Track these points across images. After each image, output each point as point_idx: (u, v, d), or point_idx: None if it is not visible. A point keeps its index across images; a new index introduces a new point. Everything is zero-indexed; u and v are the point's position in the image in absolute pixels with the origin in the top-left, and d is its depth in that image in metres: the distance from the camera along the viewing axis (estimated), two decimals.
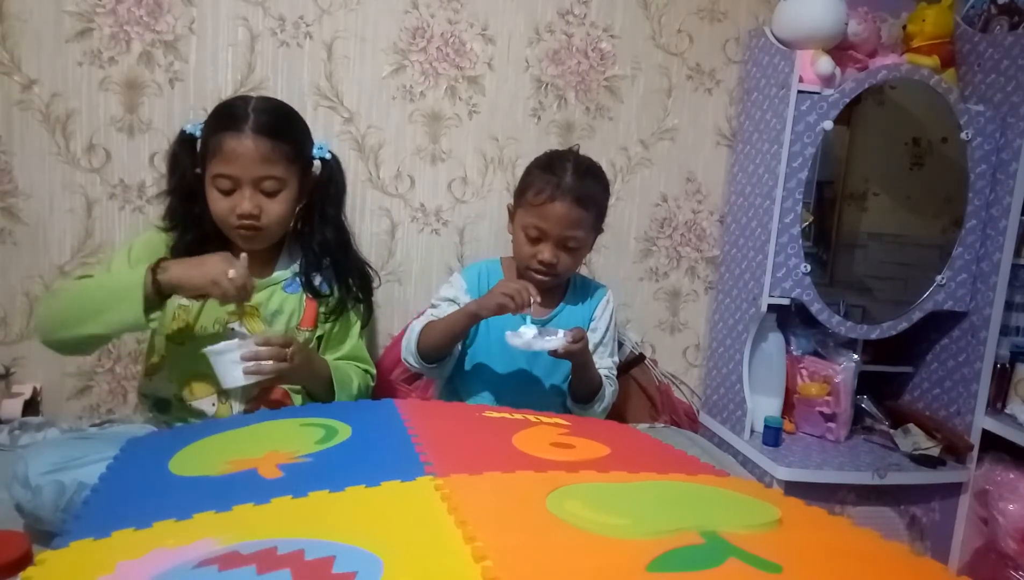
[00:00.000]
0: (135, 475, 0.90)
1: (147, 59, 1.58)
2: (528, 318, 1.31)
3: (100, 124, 1.58)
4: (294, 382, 1.29)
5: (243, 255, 1.18)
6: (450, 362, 1.43)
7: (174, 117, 1.60)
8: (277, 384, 1.27)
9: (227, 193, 1.22)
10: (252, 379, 1.16)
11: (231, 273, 1.13)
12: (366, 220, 1.74)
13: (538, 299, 1.30)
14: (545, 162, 1.42)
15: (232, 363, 1.15)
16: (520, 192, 1.42)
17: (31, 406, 1.56)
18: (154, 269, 1.14)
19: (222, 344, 1.16)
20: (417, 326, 1.39)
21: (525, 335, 1.28)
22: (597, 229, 1.45)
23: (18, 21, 1.51)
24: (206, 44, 1.60)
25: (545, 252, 1.37)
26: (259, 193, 1.23)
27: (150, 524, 0.70)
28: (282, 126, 1.26)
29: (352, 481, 0.76)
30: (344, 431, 0.95)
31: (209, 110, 1.59)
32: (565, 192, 1.34)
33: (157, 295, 1.14)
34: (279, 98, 1.61)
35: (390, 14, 1.68)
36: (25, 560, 0.77)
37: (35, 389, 1.59)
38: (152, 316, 1.15)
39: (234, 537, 0.64)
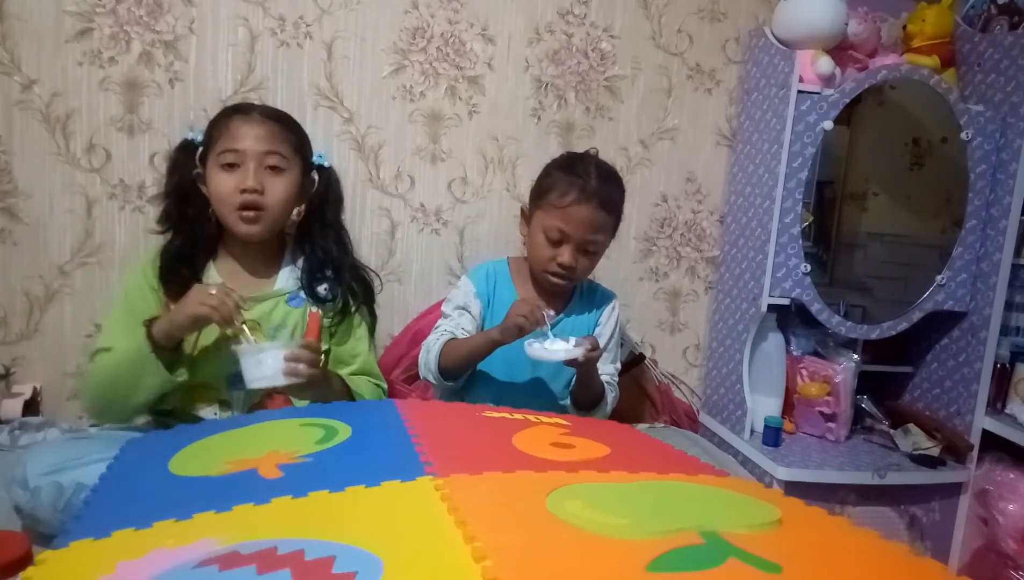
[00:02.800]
0: (135, 475, 0.90)
1: (147, 59, 1.58)
2: (550, 333, 1.28)
3: (100, 124, 1.58)
4: (312, 393, 1.25)
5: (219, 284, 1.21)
6: (467, 376, 1.43)
7: (174, 117, 1.60)
8: (300, 391, 1.24)
9: (231, 168, 1.25)
10: (289, 380, 1.17)
11: (212, 290, 1.16)
12: (366, 220, 1.74)
13: (552, 315, 1.28)
14: (566, 164, 1.41)
15: (264, 363, 1.16)
16: (540, 194, 1.40)
17: (31, 406, 1.56)
18: (148, 331, 1.17)
19: (255, 345, 1.17)
20: (435, 346, 1.36)
21: (540, 347, 1.26)
22: (614, 234, 1.44)
23: (18, 21, 1.51)
24: (206, 44, 1.60)
25: (565, 254, 1.36)
26: (263, 170, 1.26)
27: (150, 524, 0.70)
28: (287, 118, 1.33)
29: (352, 481, 0.76)
30: (344, 431, 0.95)
31: (209, 110, 1.62)
32: (591, 195, 1.34)
33: (164, 351, 1.17)
34: (279, 97, 1.64)
35: (390, 14, 1.68)
36: (25, 560, 0.78)
37: (35, 389, 1.59)
38: (177, 372, 1.20)
39: (234, 537, 0.64)
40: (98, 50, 1.55)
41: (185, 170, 1.31)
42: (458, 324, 1.41)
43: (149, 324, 1.18)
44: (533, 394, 1.45)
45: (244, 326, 1.18)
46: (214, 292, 1.16)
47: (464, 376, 1.41)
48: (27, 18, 1.51)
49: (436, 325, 1.44)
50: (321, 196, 1.39)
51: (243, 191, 1.24)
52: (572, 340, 1.28)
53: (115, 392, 1.20)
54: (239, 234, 1.28)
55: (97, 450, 1.03)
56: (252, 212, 1.25)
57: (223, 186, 1.25)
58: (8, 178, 1.55)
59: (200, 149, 1.30)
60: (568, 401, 1.46)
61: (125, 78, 1.58)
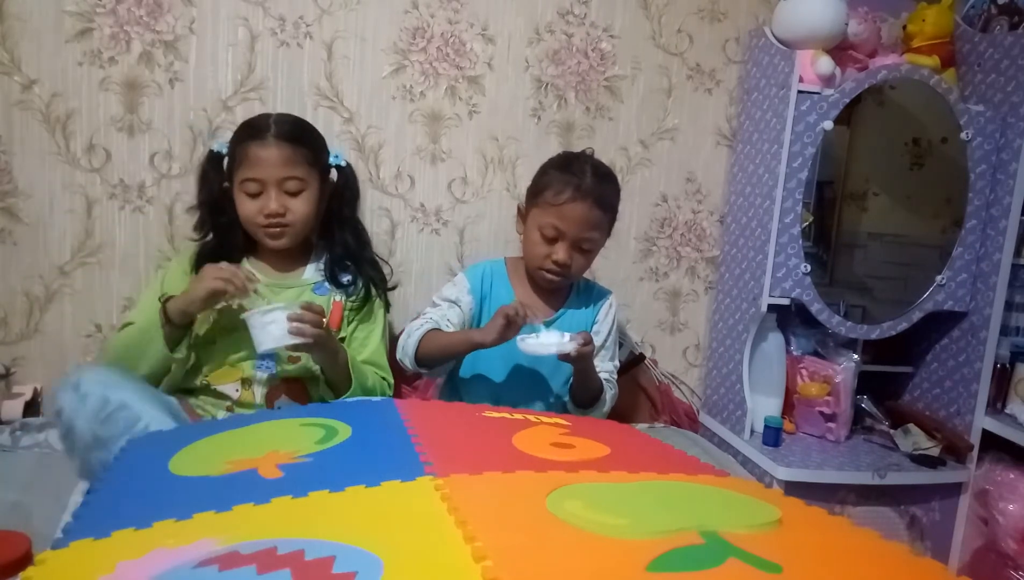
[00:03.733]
0: (135, 475, 0.90)
1: (147, 59, 1.58)
2: (541, 328, 1.31)
3: (100, 124, 1.58)
4: (322, 355, 1.32)
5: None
6: (444, 369, 1.45)
7: (174, 117, 1.61)
8: (308, 351, 1.30)
9: (254, 196, 1.35)
10: (294, 340, 1.22)
11: (223, 263, 1.26)
12: (366, 220, 1.73)
13: (537, 316, 1.30)
14: (562, 163, 1.43)
15: (270, 325, 1.21)
16: (536, 192, 1.42)
17: (32, 407, 1.56)
18: (164, 306, 1.26)
19: (264, 308, 1.24)
20: (416, 331, 1.38)
21: (533, 340, 1.28)
22: (609, 233, 1.46)
23: (18, 21, 1.51)
24: (206, 44, 1.60)
25: (560, 252, 1.37)
26: (283, 193, 1.35)
27: (150, 524, 0.70)
28: (301, 133, 1.40)
29: (352, 481, 0.76)
30: (344, 431, 0.95)
31: (209, 110, 1.62)
32: (586, 193, 1.35)
33: (174, 328, 1.27)
34: (279, 98, 1.64)
35: (390, 14, 1.68)
36: (25, 560, 0.78)
37: (35, 390, 1.59)
38: (177, 349, 1.29)
39: (234, 537, 0.64)
40: (98, 50, 1.55)
41: (214, 181, 1.42)
42: (445, 315, 1.42)
43: (166, 301, 1.27)
44: (532, 390, 1.45)
45: (257, 293, 1.29)
46: (224, 265, 1.25)
47: (438, 369, 1.43)
48: (27, 18, 1.51)
49: (424, 311, 1.46)
50: (339, 194, 1.49)
51: (267, 215, 1.34)
52: (567, 335, 1.29)
53: (124, 361, 1.28)
54: (268, 247, 1.40)
55: (146, 393, 1.13)
56: (278, 229, 1.36)
57: (248, 210, 1.36)
58: (8, 178, 1.55)
59: (227, 161, 1.39)
60: (568, 397, 1.46)
61: (125, 78, 1.58)
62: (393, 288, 1.57)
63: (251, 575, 0.56)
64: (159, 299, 1.28)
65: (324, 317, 1.30)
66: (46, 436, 1.41)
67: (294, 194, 1.36)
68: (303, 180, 1.36)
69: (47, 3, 1.51)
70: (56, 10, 1.52)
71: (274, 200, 1.34)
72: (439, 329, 1.38)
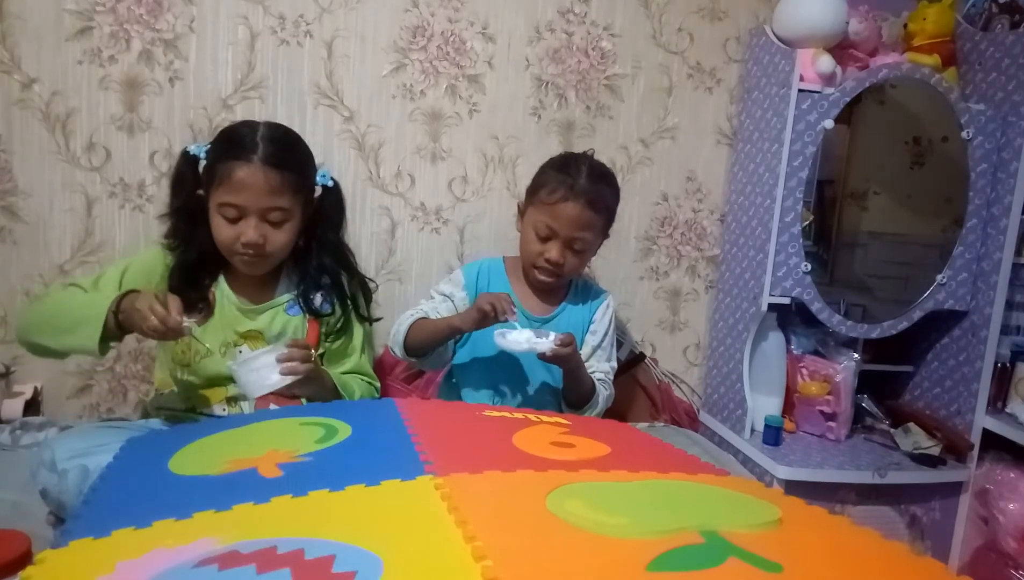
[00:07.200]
0: (135, 475, 0.90)
1: (147, 58, 1.58)
2: (518, 325, 1.32)
3: (100, 123, 1.58)
4: (308, 389, 1.27)
5: (174, 296, 1.13)
6: (433, 360, 1.45)
7: (174, 116, 1.60)
8: (294, 391, 1.25)
9: (232, 221, 1.23)
10: (287, 381, 1.17)
11: (154, 313, 1.08)
12: (366, 219, 1.74)
13: (515, 313, 1.30)
14: (560, 163, 1.44)
15: (260, 370, 1.17)
16: (533, 190, 1.43)
17: (32, 406, 1.56)
18: (119, 302, 1.14)
19: (246, 354, 1.18)
20: (407, 319, 1.41)
21: (511, 335, 1.29)
22: (605, 233, 1.47)
23: (18, 20, 1.51)
24: (206, 43, 1.60)
25: (553, 251, 1.38)
26: (265, 222, 1.24)
27: (150, 524, 0.70)
28: (290, 156, 1.27)
29: (352, 480, 0.76)
30: (344, 430, 0.95)
31: (209, 109, 1.62)
32: (579, 193, 1.36)
33: (118, 328, 1.14)
34: (279, 97, 1.64)
35: (390, 13, 1.68)
36: (25, 560, 0.78)
37: (36, 389, 1.59)
38: (111, 345, 1.15)
39: (234, 536, 0.64)
40: (98, 49, 1.55)
41: (191, 187, 1.29)
42: (435, 307, 1.45)
43: (123, 297, 1.15)
44: (530, 383, 1.46)
45: (194, 336, 1.16)
46: (155, 317, 1.08)
47: (427, 359, 1.44)
48: (27, 17, 1.51)
49: (419, 304, 1.49)
50: (322, 214, 1.37)
51: (244, 244, 1.23)
52: (551, 334, 1.30)
53: (49, 323, 1.17)
54: (241, 271, 1.30)
55: (123, 438, 1.05)
56: (254, 258, 1.26)
57: (224, 235, 1.24)
58: (8, 177, 1.55)
59: (203, 165, 1.27)
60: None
61: (125, 77, 1.58)
62: (377, 319, 1.50)
63: (251, 574, 0.56)
64: (117, 297, 1.15)
65: (310, 350, 1.23)
66: (46, 436, 1.41)
67: (276, 224, 1.25)
68: (287, 210, 1.25)
69: (47, 2, 1.51)
70: (56, 9, 1.52)
71: (254, 229, 1.22)
72: (427, 318, 1.41)
